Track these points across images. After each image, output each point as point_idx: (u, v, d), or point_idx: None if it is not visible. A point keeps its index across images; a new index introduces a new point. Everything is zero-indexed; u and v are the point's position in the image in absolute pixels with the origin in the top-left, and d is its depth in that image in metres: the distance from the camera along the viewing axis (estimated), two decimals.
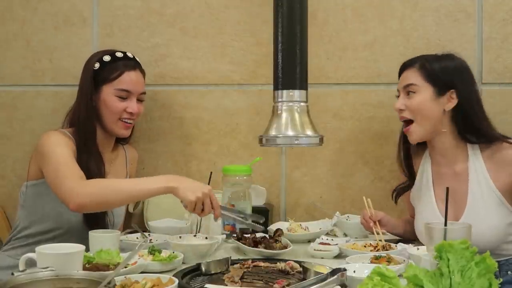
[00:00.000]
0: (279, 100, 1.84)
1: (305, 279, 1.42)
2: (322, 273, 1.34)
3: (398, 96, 2.03)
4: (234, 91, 2.41)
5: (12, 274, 1.24)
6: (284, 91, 1.83)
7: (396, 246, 1.80)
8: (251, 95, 2.40)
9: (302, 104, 1.84)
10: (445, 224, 1.49)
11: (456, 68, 1.97)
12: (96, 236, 1.72)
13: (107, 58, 2.05)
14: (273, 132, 1.83)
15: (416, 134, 1.97)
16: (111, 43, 2.35)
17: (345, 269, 1.32)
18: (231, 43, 2.40)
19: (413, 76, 1.96)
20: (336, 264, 1.54)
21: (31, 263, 1.39)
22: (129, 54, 2.12)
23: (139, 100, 2.10)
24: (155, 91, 2.40)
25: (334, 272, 1.31)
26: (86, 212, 1.88)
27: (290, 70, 1.82)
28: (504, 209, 1.90)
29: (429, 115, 1.94)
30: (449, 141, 1.97)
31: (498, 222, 1.89)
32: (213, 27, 2.41)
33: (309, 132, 1.83)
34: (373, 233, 1.99)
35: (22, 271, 1.27)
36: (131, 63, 2.09)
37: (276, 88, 1.85)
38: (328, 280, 1.30)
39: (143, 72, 2.15)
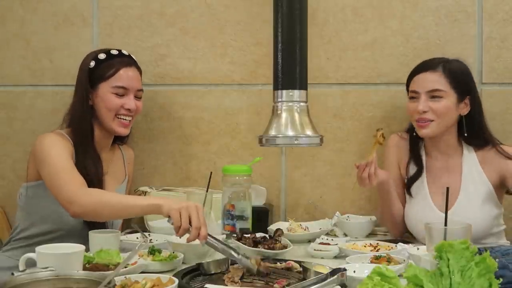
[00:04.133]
0: (279, 100, 1.84)
1: (305, 279, 1.42)
2: (322, 273, 1.34)
3: (413, 98, 2.03)
4: (234, 91, 2.41)
5: (12, 274, 1.24)
6: (284, 91, 1.83)
7: (396, 246, 1.80)
8: (251, 95, 2.40)
9: (302, 104, 1.84)
10: (445, 224, 1.49)
11: (470, 74, 2.05)
12: (96, 236, 1.72)
13: (102, 56, 2.04)
14: (273, 132, 1.83)
15: (432, 131, 2.00)
16: (111, 43, 2.35)
17: (345, 269, 1.32)
18: (231, 43, 2.40)
19: (439, 82, 1.98)
20: (336, 264, 1.54)
21: (31, 263, 1.39)
22: (125, 52, 2.09)
23: (137, 98, 2.07)
24: (155, 91, 2.40)
25: (334, 272, 1.32)
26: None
27: (290, 70, 1.82)
28: (493, 202, 1.99)
29: (450, 119, 2.00)
30: (452, 140, 2.05)
31: (487, 214, 1.97)
32: (213, 27, 2.40)
33: (309, 132, 1.83)
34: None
35: (22, 271, 1.27)
36: (127, 60, 2.07)
37: (276, 88, 1.85)
38: (328, 280, 1.30)
39: (139, 69, 2.12)
